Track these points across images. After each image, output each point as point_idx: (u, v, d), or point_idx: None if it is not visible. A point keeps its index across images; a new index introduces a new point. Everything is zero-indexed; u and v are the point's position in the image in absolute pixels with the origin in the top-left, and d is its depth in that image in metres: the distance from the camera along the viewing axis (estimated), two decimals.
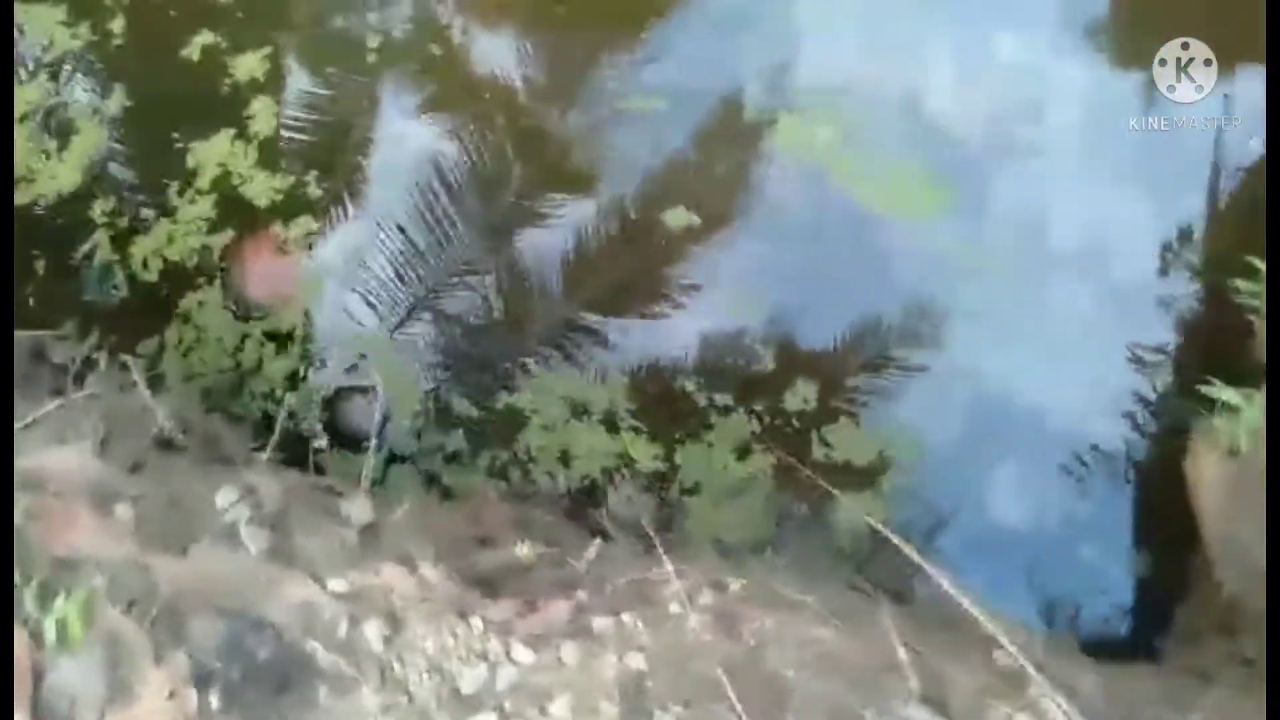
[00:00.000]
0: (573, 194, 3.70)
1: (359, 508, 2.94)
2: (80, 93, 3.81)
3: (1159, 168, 3.49)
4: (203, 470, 3.14)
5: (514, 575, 2.68)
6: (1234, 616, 2.80)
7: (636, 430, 3.39)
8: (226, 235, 3.72)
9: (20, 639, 2.24)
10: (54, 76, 3.81)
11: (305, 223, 3.72)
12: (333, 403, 3.56)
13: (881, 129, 3.59)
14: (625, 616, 2.49)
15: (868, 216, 3.52)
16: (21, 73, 3.80)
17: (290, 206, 3.74)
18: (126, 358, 3.36)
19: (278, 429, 3.38)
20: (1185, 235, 3.40)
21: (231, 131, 3.79)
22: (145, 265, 3.70)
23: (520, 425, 3.45)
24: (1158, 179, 3.47)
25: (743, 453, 3.33)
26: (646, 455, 3.35)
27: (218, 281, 3.68)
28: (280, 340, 3.61)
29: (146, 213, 3.75)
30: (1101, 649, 2.89)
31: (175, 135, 3.80)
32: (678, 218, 3.59)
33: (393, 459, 3.48)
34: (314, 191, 3.74)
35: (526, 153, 3.74)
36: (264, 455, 3.24)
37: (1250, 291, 2.93)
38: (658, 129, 3.70)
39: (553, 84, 3.82)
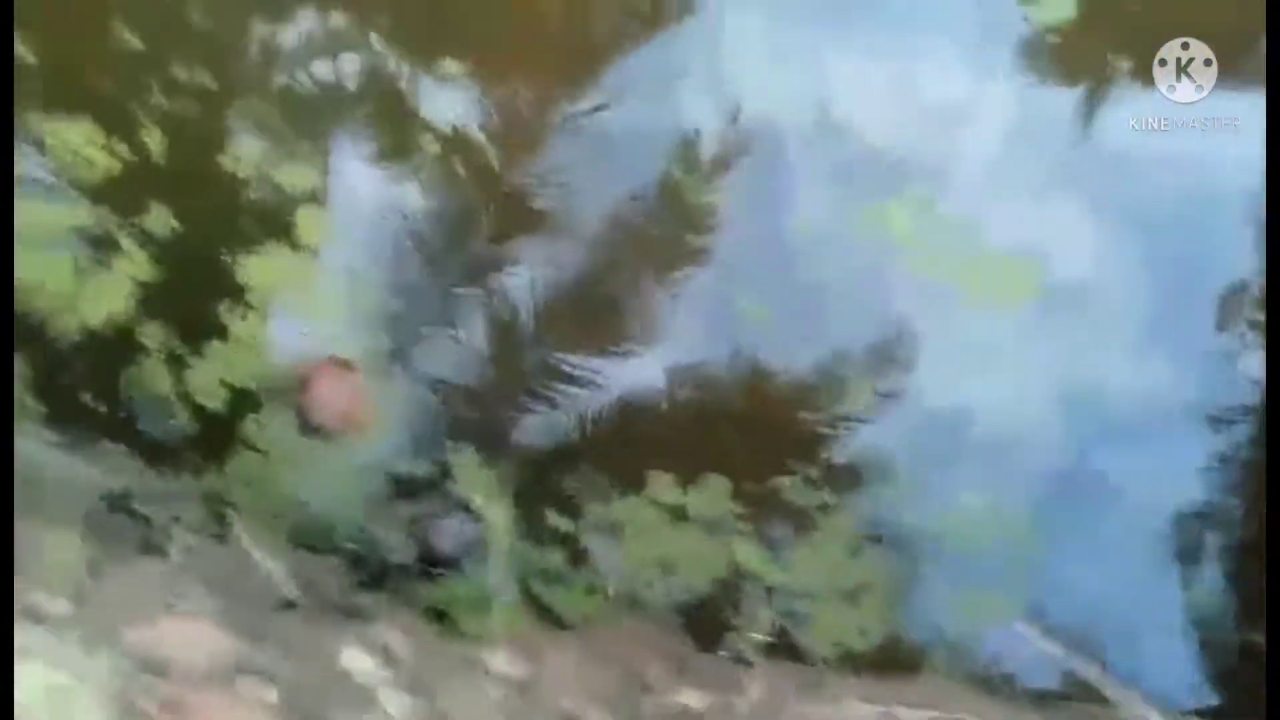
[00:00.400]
0: (536, 236, 3.65)
1: (501, 659, 2.88)
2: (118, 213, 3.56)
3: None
4: (316, 623, 3.03)
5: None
6: None
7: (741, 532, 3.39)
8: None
9: None
10: (91, 197, 3.54)
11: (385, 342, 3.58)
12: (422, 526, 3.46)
13: (818, 158, 3.66)
14: None
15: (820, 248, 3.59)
16: (54, 194, 3.52)
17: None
18: (228, 511, 3.18)
19: (373, 562, 3.28)
20: None
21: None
22: (205, 392, 3.50)
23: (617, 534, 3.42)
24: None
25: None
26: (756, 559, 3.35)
27: (287, 405, 3.51)
28: (364, 466, 3.47)
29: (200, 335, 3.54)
30: None
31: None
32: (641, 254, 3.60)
33: (489, 585, 3.40)
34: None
35: (489, 199, 3.68)
36: (373, 598, 3.14)
37: None
38: (618, 170, 3.68)
39: (509, 129, 3.76)
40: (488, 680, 2.80)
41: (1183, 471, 3.43)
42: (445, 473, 3.48)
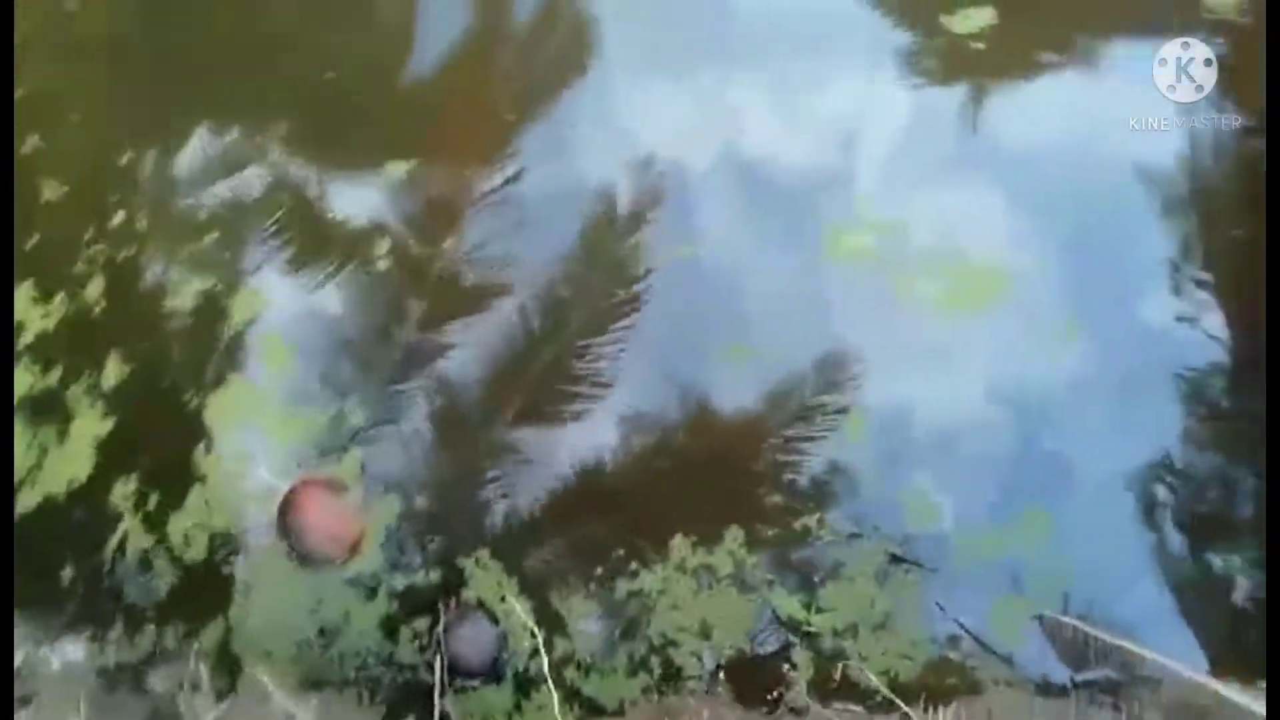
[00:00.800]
0: (471, 316, 3.58)
1: None
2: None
3: None
4: None
5: None
6: None
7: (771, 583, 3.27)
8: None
9: None
10: (37, 361, 3.39)
11: (355, 454, 3.44)
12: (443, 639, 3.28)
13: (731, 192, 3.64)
14: None
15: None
16: None
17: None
18: (259, 672, 2.98)
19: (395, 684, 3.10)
20: None
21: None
22: (187, 541, 3.33)
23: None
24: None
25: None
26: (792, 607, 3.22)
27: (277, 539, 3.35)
28: (362, 585, 3.30)
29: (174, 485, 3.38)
30: None
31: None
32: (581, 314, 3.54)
33: (520, 685, 3.24)
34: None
35: (418, 287, 3.62)
36: None
37: None
38: (541, 235, 3.64)
39: (429, 215, 3.71)
40: None
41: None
42: (448, 578, 3.34)
